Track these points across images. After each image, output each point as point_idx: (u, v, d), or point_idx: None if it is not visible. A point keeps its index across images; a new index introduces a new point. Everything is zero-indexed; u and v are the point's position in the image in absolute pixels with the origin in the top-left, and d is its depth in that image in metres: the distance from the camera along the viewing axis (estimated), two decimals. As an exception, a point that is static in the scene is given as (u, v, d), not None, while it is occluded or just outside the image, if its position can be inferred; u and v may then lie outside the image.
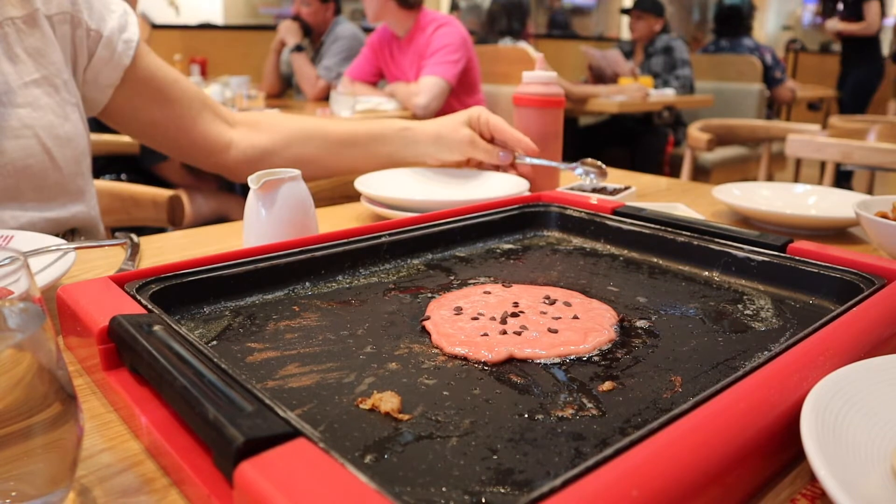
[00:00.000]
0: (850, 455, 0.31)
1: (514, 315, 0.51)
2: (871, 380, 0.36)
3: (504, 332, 0.48)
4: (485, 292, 0.56)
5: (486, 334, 0.47)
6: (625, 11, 3.73)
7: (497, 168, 0.99)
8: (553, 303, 0.53)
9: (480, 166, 1.00)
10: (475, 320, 0.50)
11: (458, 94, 2.46)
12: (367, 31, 3.41)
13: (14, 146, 0.76)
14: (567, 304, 0.53)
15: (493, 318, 0.50)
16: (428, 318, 0.51)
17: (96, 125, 1.10)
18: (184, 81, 0.96)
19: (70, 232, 0.86)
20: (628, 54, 3.80)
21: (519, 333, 0.48)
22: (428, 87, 2.34)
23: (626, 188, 0.94)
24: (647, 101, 3.17)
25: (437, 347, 0.47)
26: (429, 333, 0.49)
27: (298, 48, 2.96)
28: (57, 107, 0.80)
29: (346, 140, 0.99)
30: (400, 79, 2.59)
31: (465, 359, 0.45)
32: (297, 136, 0.99)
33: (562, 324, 0.49)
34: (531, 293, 0.55)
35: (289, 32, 3.01)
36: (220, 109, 0.99)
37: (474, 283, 0.59)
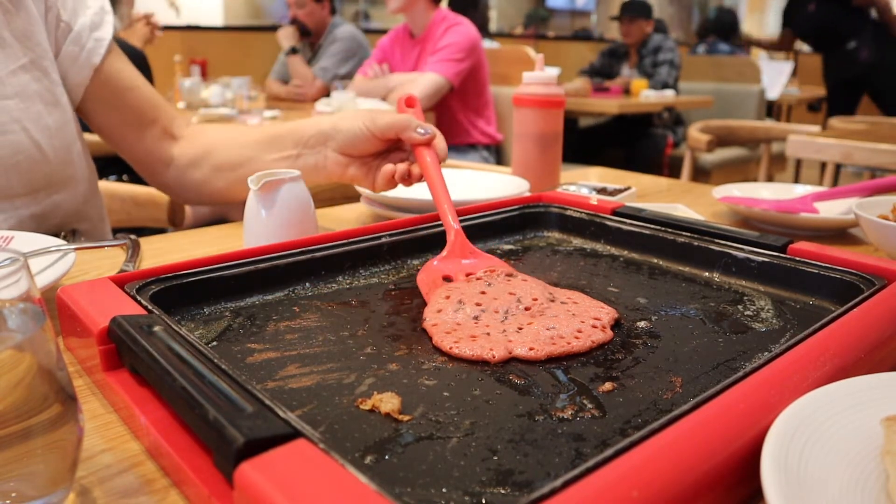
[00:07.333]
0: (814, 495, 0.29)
1: (514, 314, 0.51)
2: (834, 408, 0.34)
3: (504, 332, 0.48)
4: (487, 283, 0.56)
5: (486, 334, 0.47)
6: (615, 18, 3.75)
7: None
8: (553, 300, 0.53)
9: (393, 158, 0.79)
10: (475, 320, 0.50)
11: (466, 94, 2.46)
12: (368, 32, 3.42)
13: (2, 142, 0.74)
14: (564, 302, 0.53)
15: (492, 318, 0.50)
16: (427, 318, 0.51)
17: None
18: (141, 90, 0.88)
19: (70, 232, 0.85)
20: (623, 56, 3.81)
21: (518, 332, 0.48)
22: (423, 83, 2.34)
23: (627, 189, 0.94)
24: (648, 101, 3.17)
25: (436, 348, 0.47)
26: (429, 334, 0.49)
27: (293, 50, 2.98)
28: (46, 92, 0.78)
29: (270, 140, 0.85)
30: None
31: (465, 359, 0.45)
32: (217, 143, 0.89)
33: (560, 321, 0.49)
34: (531, 288, 0.55)
35: (284, 36, 3.04)
36: (170, 125, 0.91)
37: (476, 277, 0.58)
